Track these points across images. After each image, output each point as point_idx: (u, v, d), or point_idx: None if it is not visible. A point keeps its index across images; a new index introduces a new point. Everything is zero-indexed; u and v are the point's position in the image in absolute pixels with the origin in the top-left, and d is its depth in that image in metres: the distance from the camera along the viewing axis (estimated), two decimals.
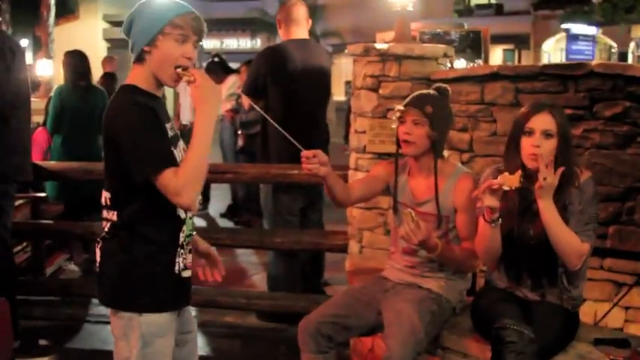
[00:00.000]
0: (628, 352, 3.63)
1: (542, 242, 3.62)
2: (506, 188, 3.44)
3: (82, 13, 26.09)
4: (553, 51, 34.49)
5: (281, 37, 6.25)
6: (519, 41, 34.96)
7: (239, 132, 9.70)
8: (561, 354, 3.66)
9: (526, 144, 3.63)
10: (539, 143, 3.59)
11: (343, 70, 28.68)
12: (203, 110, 2.91)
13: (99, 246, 3.11)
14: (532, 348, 3.40)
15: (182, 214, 3.10)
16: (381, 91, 5.26)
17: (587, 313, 4.70)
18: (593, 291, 4.69)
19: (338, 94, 10.43)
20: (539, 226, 3.61)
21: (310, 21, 6.27)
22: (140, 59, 3.02)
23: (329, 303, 4.14)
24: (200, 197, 2.98)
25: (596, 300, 4.72)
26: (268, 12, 31.08)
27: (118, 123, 2.92)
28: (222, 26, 34.06)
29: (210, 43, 33.54)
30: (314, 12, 30.42)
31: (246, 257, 8.45)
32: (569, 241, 3.56)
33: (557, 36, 32.67)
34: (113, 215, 3.04)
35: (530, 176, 3.59)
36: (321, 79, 6.23)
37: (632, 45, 29.79)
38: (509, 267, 3.82)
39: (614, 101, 4.63)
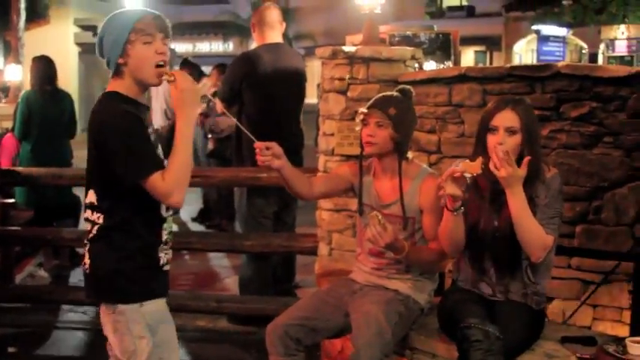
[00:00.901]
0: (594, 350, 3.66)
1: (507, 234, 3.65)
2: (467, 175, 3.46)
3: (52, 17, 26.00)
4: (524, 52, 34.77)
5: (255, 40, 6.25)
6: (491, 43, 35.16)
7: (209, 136, 9.69)
8: (528, 352, 3.68)
9: (491, 141, 3.66)
10: (502, 140, 3.62)
11: (316, 72, 28.60)
12: (184, 112, 3.07)
13: (87, 248, 3.21)
14: (498, 346, 3.42)
15: (164, 213, 3.25)
16: (349, 94, 5.27)
17: (555, 311, 4.74)
18: (562, 290, 4.72)
19: (311, 97, 10.36)
20: (505, 217, 3.63)
21: (284, 24, 6.29)
22: (118, 72, 3.15)
23: (296, 306, 4.14)
24: None
25: (564, 298, 4.75)
26: (240, 15, 31.10)
27: (107, 128, 3.05)
28: (194, 30, 34.07)
29: (182, 47, 33.49)
30: (286, 15, 30.41)
31: (218, 261, 8.43)
32: (534, 231, 3.58)
33: (528, 37, 32.96)
34: (99, 218, 3.16)
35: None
36: (295, 84, 6.24)
37: (602, 46, 30.08)
38: (474, 259, 3.83)
39: (580, 102, 4.67)
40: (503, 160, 3.44)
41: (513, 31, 34.22)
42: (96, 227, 3.17)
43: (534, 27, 30.48)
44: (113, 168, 3.04)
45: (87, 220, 3.22)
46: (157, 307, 3.24)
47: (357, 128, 4.05)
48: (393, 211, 3.99)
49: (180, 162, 3.03)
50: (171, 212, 3.31)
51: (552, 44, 30.09)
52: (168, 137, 10.71)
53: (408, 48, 5.60)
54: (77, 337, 6.11)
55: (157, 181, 2.99)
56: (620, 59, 29.18)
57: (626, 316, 4.43)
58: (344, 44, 5.95)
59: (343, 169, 4.29)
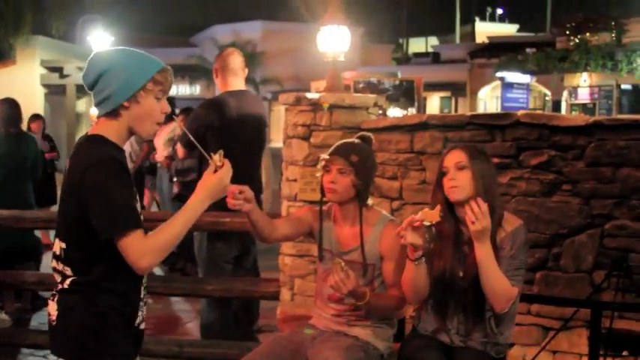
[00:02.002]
0: None
1: (472, 283, 3.66)
2: (426, 224, 3.48)
3: (19, 58, 25.90)
4: (489, 98, 35.16)
5: (218, 86, 6.26)
6: (456, 89, 35.50)
7: (174, 179, 9.68)
8: None
9: (445, 183, 3.69)
10: (453, 176, 3.65)
11: (282, 116, 28.80)
12: (207, 196, 2.99)
13: (55, 299, 3.00)
14: None
15: None
16: (312, 140, 5.31)
17: (515, 357, 4.77)
18: (522, 335, 4.76)
19: (277, 141, 10.40)
20: (470, 266, 3.64)
21: (247, 70, 6.32)
22: (114, 113, 2.94)
23: (256, 351, 4.11)
24: None
25: (524, 344, 4.79)
26: (207, 58, 31.16)
27: (89, 176, 2.83)
28: None
29: None
30: (254, 59, 30.58)
31: (180, 305, 8.38)
32: (499, 283, 3.58)
33: (493, 84, 33.33)
34: (67, 269, 2.95)
35: (457, 215, 3.66)
36: (257, 130, 6.27)
37: (565, 93, 30.47)
38: (437, 306, 3.84)
39: (539, 150, 4.75)
40: (479, 213, 3.47)
41: (478, 78, 34.60)
42: (68, 280, 2.95)
43: (498, 74, 30.84)
44: (90, 219, 2.82)
45: (55, 270, 3.02)
46: None
47: (318, 174, 4.06)
48: (353, 257, 4.00)
49: (173, 233, 2.87)
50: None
51: (516, 91, 30.42)
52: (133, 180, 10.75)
53: (371, 95, 5.66)
54: None
55: (134, 240, 2.79)
56: (583, 106, 29.56)
57: None
58: (310, 89, 6.01)
59: (303, 213, 4.29)
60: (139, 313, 3.05)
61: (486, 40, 38.54)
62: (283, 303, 5.48)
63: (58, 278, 3.00)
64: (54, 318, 2.99)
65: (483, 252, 3.53)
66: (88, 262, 2.92)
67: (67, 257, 2.96)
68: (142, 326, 3.10)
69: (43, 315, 7.65)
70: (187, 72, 33.84)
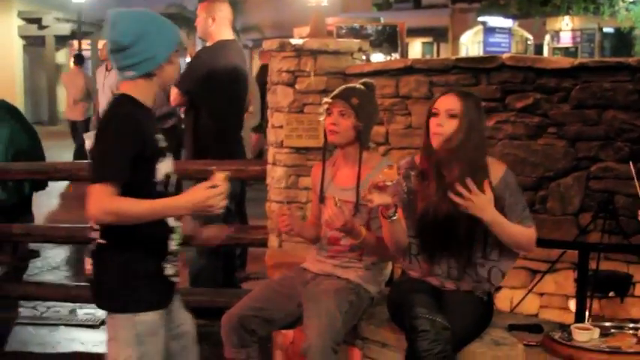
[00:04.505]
0: (540, 337, 3.73)
1: (460, 225, 3.68)
2: (388, 183, 3.49)
3: None
4: (471, 43, 35.06)
5: (204, 35, 6.17)
6: (438, 34, 35.39)
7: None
8: (477, 340, 3.72)
9: (432, 124, 3.71)
10: (442, 122, 3.66)
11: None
12: (186, 206, 3.11)
13: (93, 255, 3.26)
14: (445, 335, 3.46)
15: (171, 223, 3.26)
16: (297, 86, 5.28)
17: (503, 299, 4.81)
18: (509, 278, 4.77)
19: None
20: (456, 207, 3.65)
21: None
22: (150, 74, 3.19)
23: (250, 296, 4.15)
24: None
25: (511, 287, 4.82)
26: (187, 7, 30.84)
27: (103, 127, 3.12)
28: None
29: None
30: (234, 7, 30.27)
31: None
32: (518, 233, 3.68)
33: (475, 29, 33.22)
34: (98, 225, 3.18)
35: (439, 160, 3.68)
36: (246, 84, 6.26)
37: (547, 37, 30.44)
38: (425, 252, 3.85)
39: (525, 93, 4.74)
40: (468, 197, 3.50)
41: (460, 23, 34.47)
42: (100, 235, 3.19)
43: (480, 18, 30.77)
44: None
45: (91, 227, 3.24)
46: (152, 318, 3.23)
47: (321, 118, 4.12)
48: (349, 197, 4.04)
49: (135, 211, 3.03)
50: (180, 223, 3.32)
51: (498, 36, 30.40)
52: None
53: (355, 40, 5.63)
54: (27, 333, 6.07)
55: (99, 190, 2.98)
56: (565, 50, 29.57)
57: (572, 303, 4.51)
58: (292, 37, 5.97)
59: (312, 181, 4.37)
60: (167, 266, 3.26)
61: None
62: (271, 250, 5.49)
63: (94, 234, 3.22)
64: (90, 272, 3.28)
65: (490, 217, 3.57)
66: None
67: None
68: (174, 279, 3.33)
69: (33, 267, 7.68)
70: None
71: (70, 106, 14.56)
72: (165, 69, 3.22)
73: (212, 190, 3.08)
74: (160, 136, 3.24)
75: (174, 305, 3.47)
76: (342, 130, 4.04)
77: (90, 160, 3.11)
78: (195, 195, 3.10)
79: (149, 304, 3.22)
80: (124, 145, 3.04)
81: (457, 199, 3.51)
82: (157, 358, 3.29)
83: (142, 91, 3.21)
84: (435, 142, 3.68)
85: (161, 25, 3.24)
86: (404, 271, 4.06)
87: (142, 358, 3.21)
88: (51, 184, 6.78)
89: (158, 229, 3.20)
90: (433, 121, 3.70)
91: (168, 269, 3.27)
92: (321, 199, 4.21)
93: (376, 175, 3.53)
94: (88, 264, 3.27)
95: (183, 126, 8.98)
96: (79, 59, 15.97)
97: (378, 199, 3.52)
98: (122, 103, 3.17)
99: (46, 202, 10.57)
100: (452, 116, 3.66)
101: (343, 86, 4.21)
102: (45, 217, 9.67)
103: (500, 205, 3.64)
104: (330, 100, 4.08)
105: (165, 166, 3.21)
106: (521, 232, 3.69)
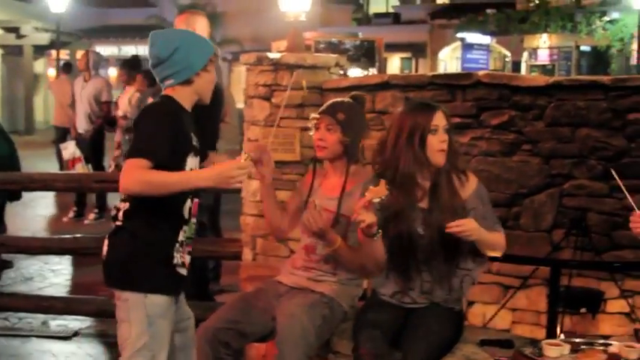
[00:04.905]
0: (511, 353, 3.74)
1: (436, 241, 3.70)
2: (376, 200, 3.50)
3: None
4: (449, 59, 35.20)
5: None
6: (417, 50, 35.45)
7: (127, 137, 9.62)
8: (449, 355, 3.74)
9: (435, 142, 3.69)
10: (445, 139, 3.70)
11: (242, 77, 28.62)
12: (210, 175, 3.27)
13: (108, 235, 3.50)
14: None
15: (185, 215, 3.49)
16: (273, 100, 5.29)
17: (476, 315, 4.83)
18: (482, 294, 4.82)
19: (238, 101, 10.32)
20: (431, 225, 3.67)
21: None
22: (188, 81, 3.46)
23: (224, 309, 4.15)
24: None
25: (484, 302, 4.85)
26: (166, 19, 30.82)
27: (143, 114, 3.43)
28: (120, 33, 33.70)
29: (107, 50, 33.12)
30: (213, 19, 30.27)
31: None
32: (496, 241, 3.78)
33: (453, 45, 33.37)
34: (126, 205, 3.43)
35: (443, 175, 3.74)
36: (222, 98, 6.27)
37: (524, 54, 30.61)
38: (399, 270, 3.86)
39: (500, 110, 4.78)
40: (461, 230, 3.55)
41: (438, 39, 34.59)
42: (121, 213, 3.42)
43: (459, 35, 30.91)
44: None
45: (115, 207, 3.52)
46: (161, 301, 3.41)
47: (311, 133, 4.14)
48: (331, 206, 4.05)
49: (163, 180, 3.23)
50: (194, 219, 3.55)
51: (476, 52, 30.51)
52: (91, 142, 10.63)
53: (332, 55, 5.67)
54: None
55: (133, 164, 3.22)
56: (542, 68, 29.75)
57: (544, 319, 4.54)
58: (270, 50, 5.98)
59: (300, 185, 4.40)
60: (177, 256, 3.47)
61: (447, 1, 38.50)
62: (245, 263, 5.49)
63: (114, 212, 3.51)
64: (104, 253, 3.48)
65: (482, 235, 3.65)
66: (135, 206, 3.39)
67: (122, 200, 3.46)
68: (183, 271, 3.52)
69: (6, 278, 7.64)
70: (146, 32, 33.40)
71: (59, 112, 14.49)
72: (202, 76, 3.48)
73: (237, 163, 3.26)
74: (194, 137, 3.50)
75: (181, 299, 3.65)
76: (329, 145, 4.05)
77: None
78: (220, 166, 3.28)
79: (158, 286, 3.41)
80: (162, 129, 3.30)
81: (457, 233, 3.56)
82: (165, 341, 3.46)
83: (181, 97, 3.47)
84: (441, 159, 3.71)
85: (194, 38, 3.58)
86: (374, 290, 4.05)
87: (152, 338, 3.39)
88: (25, 194, 6.74)
89: (173, 217, 3.44)
90: (434, 138, 3.69)
91: (177, 258, 3.46)
92: (305, 204, 4.20)
93: (366, 193, 3.53)
94: (104, 246, 3.47)
95: None
96: (67, 68, 16.01)
97: (368, 218, 3.52)
98: (164, 101, 3.46)
99: (21, 212, 10.52)
100: (446, 131, 3.70)
101: (331, 101, 4.21)
102: (19, 228, 9.61)
103: (472, 215, 3.69)
104: (317, 116, 4.10)
105: (192, 162, 3.46)
106: (497, 238, 3.78)
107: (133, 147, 3.31)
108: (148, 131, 3.32)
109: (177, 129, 3.39)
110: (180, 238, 3.48)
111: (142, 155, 3.24)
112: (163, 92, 3.50)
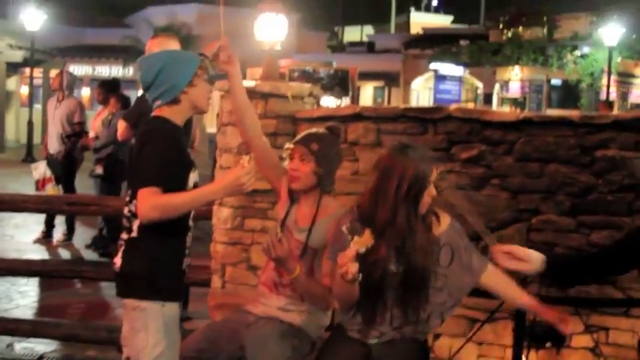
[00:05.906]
0: None
1: (408, 278, 3.67)
2: (362, 250, 3.44)
3: None
4: (422, 89, 35.40)
5: None
6: (390, 79, 35.63)
7: (96, 157, 9.62)
8: None
9: (425, 195, 3.64)
10: (434, 193, 3.68)
11: (216, 102, 28.57)
12: (219, 189, 3.52)
13: (123, 248, 3.61)
14: None
15: (190, 223, 3.71)
16: None
17: (442, 347, 4.85)
18: (449, 326, 4.83)
19: (210, 126, 10.31)
20: (407, 263, 3.66)
21: None
22: (175, 100, 3.60)
23: (192, 337, 4.13)
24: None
25: (451, 335, 4.87)
26: (142, 40, 30.78)
27: (150, 139, 3.52)
28: (95, 53, 33.59)
29: (81, 70, 33.04)
30: (189, 42, 30.29)
31: (110, 290, 8.27)
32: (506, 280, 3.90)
33: (426, 75, 33.54)
34: (133, 225, 3.56)
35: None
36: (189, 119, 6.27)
37: (497, 86, 30.84)
38: (367, 306, 3.81)
39: (470, 144, 4.83)
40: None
41: (412, 68, 34.77)
42: (132, 233, 3.57)
43: (432, 65, 31.08)
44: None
45: (124, 226, 3.63)
46: (175, 309, 3.62)
47: (285, 163, 4.15)
48: (301, 237, 4.05)
49: (178, 201, 3.41)
50: (192, 223, 3.75)
51: (449, 83, 30.71)
52: (62, 162, 10.58)
53: (306, 85, 5.69)
54: None
55: (149, 191, 3.35)
56: (514, 100, 29.97)
57: (510, 353, 4.56)
58: (245, 77, 6.00)
59: (279, 211, 4.32)
60: (185, 260, 3.71)
61: (421, 31, 38.77)
62: (214, 290, 5.49)
63: (125, 235, 3.62)
64: (118, 265, 3.61)
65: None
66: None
67: (133, 215, 3.55)
68: (186, 270, 3.77)
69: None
70: (121, 53, 33.37)
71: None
72: (190, 92, 3.61)
73: (241, 170, 3.39)
74: (189, 151, 3.73)
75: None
76: (302, 176, 4.05)
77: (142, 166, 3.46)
78: (227, 178, 3.46)
79: (175, 294, 3.64)
80: (167, 155, 3.47)
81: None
82: (177, 350, 3.65)
83: (172, 115, 3.60)
84: (424, 210, 3.70)
85: (177, 57, 3.71)
86: (339, 324, 3.99)
87: (168, 347, 3.54)
88: None
89: (182, 226, 3.63)
90: (427, 192, 3.64)
91: (184, 264, 3.71)
92: (281, 225, 4.17)
93: (351, 244, 3.45)
94: (118, 259, 3.61)
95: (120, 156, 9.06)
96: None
97: (354, 268, 3.43)
98: (160, 122, 3.58)
99: None
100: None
101: (306, 131, 4.21)
102: None
103: (449, 249, 3.73)
104: (291, 146, 4.12)
105: (194, 177, 3.67)
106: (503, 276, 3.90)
107: (144, 176, 3.42)
108: (154, 159, 3.44)
109: (179, 150, 3.57)
110: (188, 244, 3.70)
111: (153, 184, 3.37)
112: (154, 113, 3.63)
